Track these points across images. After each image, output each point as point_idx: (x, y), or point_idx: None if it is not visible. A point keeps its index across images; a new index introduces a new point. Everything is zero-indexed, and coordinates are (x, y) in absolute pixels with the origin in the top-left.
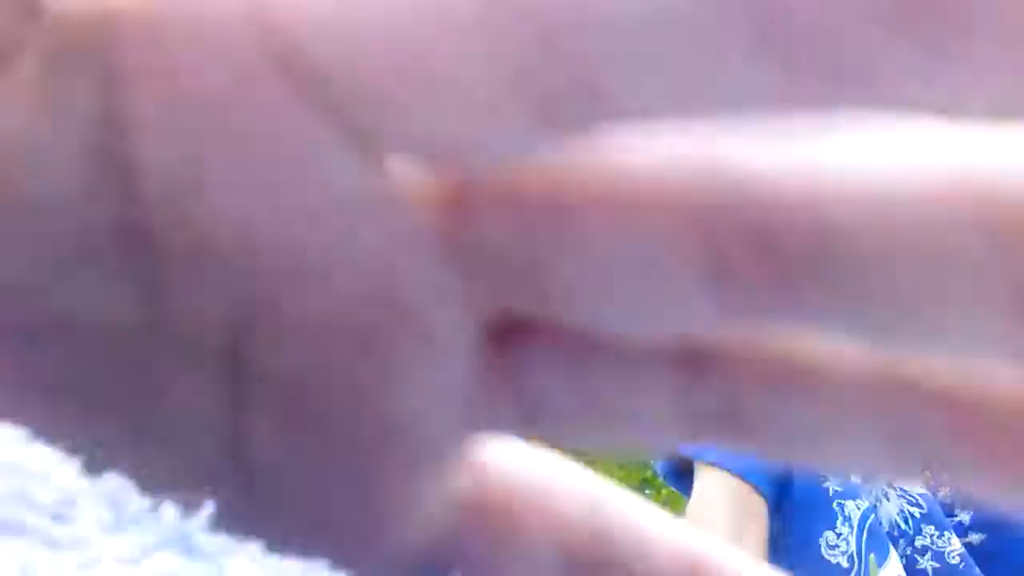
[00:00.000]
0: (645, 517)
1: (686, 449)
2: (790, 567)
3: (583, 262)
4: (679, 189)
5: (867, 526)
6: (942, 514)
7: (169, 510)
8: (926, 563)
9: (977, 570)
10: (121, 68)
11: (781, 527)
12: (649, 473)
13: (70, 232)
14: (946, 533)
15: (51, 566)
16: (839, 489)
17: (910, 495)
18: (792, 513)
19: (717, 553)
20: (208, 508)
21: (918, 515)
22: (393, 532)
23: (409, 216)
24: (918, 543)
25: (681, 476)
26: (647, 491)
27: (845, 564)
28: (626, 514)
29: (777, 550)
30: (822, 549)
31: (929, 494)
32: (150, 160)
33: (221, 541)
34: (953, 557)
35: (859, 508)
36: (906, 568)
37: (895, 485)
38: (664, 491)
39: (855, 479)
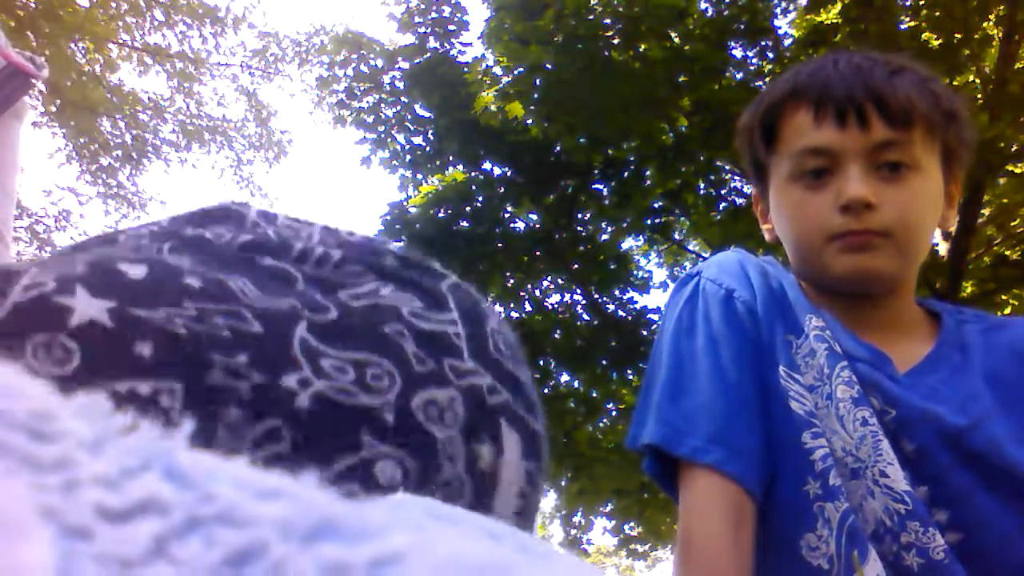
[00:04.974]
0: None
1: (681, 449)
2: (771, 569)
3: None
4: None
5: (846, 528)
6: (926, 511)
7: (148, 428)
8: (911, 559)
9: (960, 566)
10: None
11: (763, 529)
12: (648, 477)
13: None
14: (930, 529)
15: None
16: (819, 492)
17: (895, 492)
18: (773, 516)
19: None
20: (188, 426)
21: (903, 511)
22: None
23: None
24: (903, 540)
25: (668, 476)
26: (646, 495)
27: (825, 566)
28: None
29: (759, 553)
30: (802, 551)
31: (913, 491)
32: None
33: (203, 461)
34: (937, 553)
35: (838, 510)
36: (893, 565)
37: (880, 483)
38: (662, 495)
39: (834, 481)
